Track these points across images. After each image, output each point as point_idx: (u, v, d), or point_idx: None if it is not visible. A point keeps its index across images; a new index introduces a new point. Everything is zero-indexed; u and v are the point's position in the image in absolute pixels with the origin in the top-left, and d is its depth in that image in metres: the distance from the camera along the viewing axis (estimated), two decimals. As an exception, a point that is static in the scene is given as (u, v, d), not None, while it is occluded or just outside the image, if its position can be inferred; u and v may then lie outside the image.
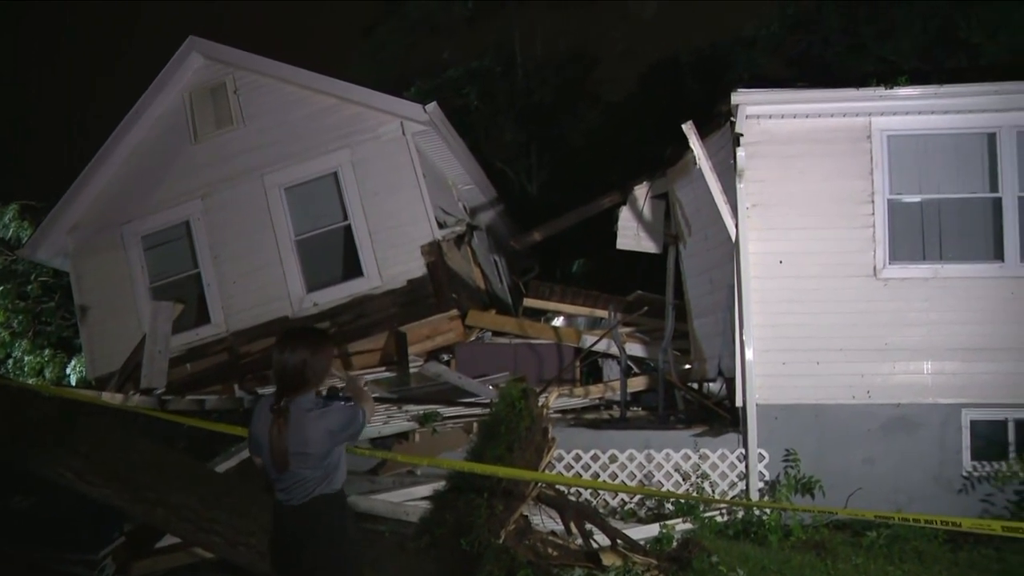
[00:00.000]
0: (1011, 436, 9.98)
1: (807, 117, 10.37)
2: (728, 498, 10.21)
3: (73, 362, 18.68)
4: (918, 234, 10.31)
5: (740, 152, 10.18)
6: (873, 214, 10.21)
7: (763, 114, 10.39)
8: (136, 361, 12.07)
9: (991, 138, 10.19)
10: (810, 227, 10.34)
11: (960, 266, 10.15)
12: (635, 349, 12.85)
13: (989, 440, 10.01)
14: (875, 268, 10.19)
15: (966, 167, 10.28)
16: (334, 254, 13.96)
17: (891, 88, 10.02)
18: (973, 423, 10.03)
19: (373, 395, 11.29)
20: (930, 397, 10.03)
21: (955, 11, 16.80)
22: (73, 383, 18.22)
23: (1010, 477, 9.67)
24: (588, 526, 8.08)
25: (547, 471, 8.76)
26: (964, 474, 9.94)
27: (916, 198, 10.33)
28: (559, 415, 11.67)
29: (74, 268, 14.94)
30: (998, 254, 10.13)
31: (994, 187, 10.15)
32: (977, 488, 9.87)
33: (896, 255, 10.23)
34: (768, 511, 9.40)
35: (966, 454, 10.00)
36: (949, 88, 10.05)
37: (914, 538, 8.76)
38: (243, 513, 6.91)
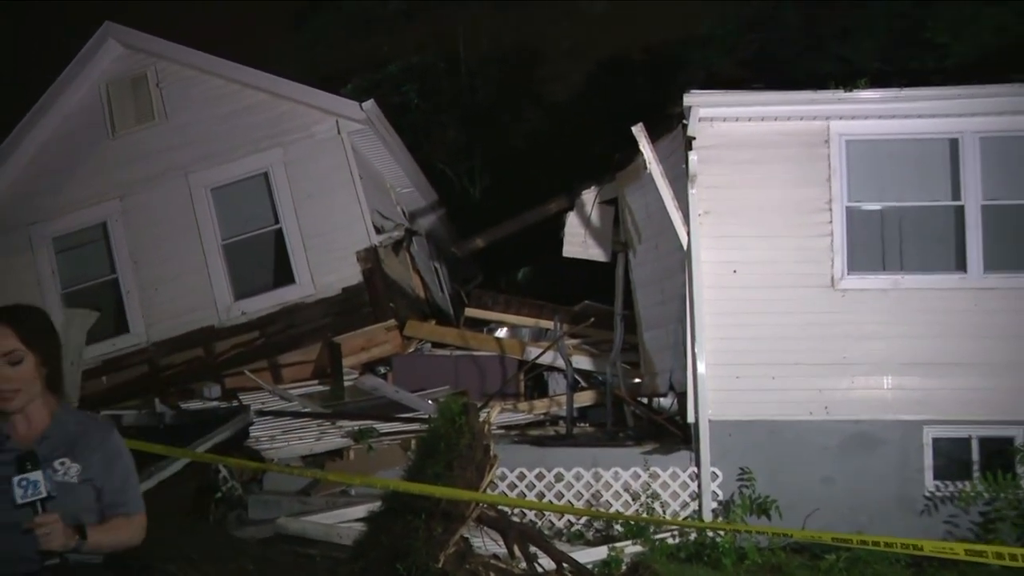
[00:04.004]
0: (975, 455, 10.04)
1: (762, 120, 10.40)
2: (680, 519, 10.16)
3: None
4: (878, 243, 10.38)
5: (692, 156, 10.13)
6: (831, 222, 10.23)
7: (717, 117, 10.37)
8: (46, 374, 11.79)
9: (953, 144, 10.27)
10: (765, 235, 10.35)
11: (921, 277, 10.24)
12: (582, 362, 12.82)
13: (952, 459, 10.08)
14: (833, 279, 10.23)
15: (928, 174, 10.38)
16: (264, 260, 13.86)
17: (850, 91, 10.07)
18: (935, 441, 10.09)
19: (305, 409, 11.24)
20: (890, 413, 10.09)
21: (921, 9, 16.91)
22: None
23: (974, 498, 9.69)
24: (532, 549, 8.03)
25: (489, 490, 8.70)
26: (926, 494, 9.98)
27: (876, 206, 10.42)
28: (502, 431, 11.59)
29: (-26, 272, 14.54)
30: (960, 265, 10.22)
31: (956, 195, 10.24)
32: (940, 509, 9.92)
33: (855, 265, 10.27)
34: (722, 533, 9.39)
35: (928, 473, 10.05)
36: (911, 91, 10.14)
37: (875, 561, 8.78)
38: (162, 539, 6.76)
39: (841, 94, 10.11)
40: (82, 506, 3.39)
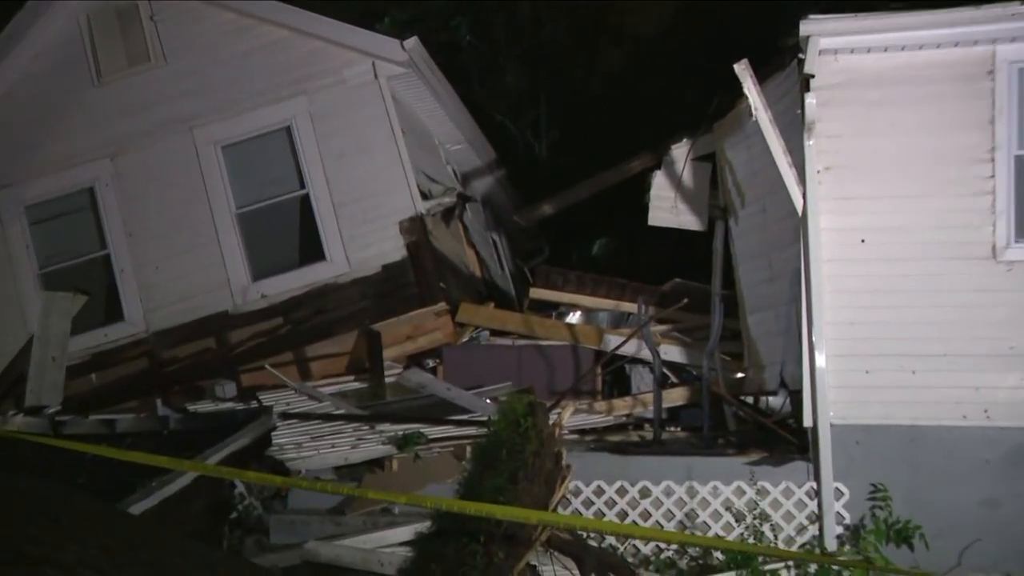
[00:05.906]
0: None
1: (903, 49, 10.09)
2: (795, 547, 10.09)
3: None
4: (1059, 203, 10.08)
5: (809, 99, 9.96)
6: (993, 176, 9.90)
7: (842, 47, 10.16)
8: (20, 371, 11.95)
9: None
10: (903, 195, 10.15)
11: (1119, 245, 9.90)
12: (672, 353, 12.83)
13: None
14: (995, 248, 9.91)
15: None
16: (288, 232, 14.05)
17: None
18: None
19: (339, 410, 11.25)
20: (1077, 420, 9.79)
21: None
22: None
23: None
24: (614, 581, 8.04)
25: (560, 509, 8.80)
26: None
27: (1058, 154, 10.11)
28: (575, 436, 11.70)
29: (-69, 250, 14.62)
30: None
31: None
32: None
33: (1025, 231, 10.00)
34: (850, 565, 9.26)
35: None
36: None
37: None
38: (165, 567, 6.74)
39: (1016, 7, 9.66)
40: None
